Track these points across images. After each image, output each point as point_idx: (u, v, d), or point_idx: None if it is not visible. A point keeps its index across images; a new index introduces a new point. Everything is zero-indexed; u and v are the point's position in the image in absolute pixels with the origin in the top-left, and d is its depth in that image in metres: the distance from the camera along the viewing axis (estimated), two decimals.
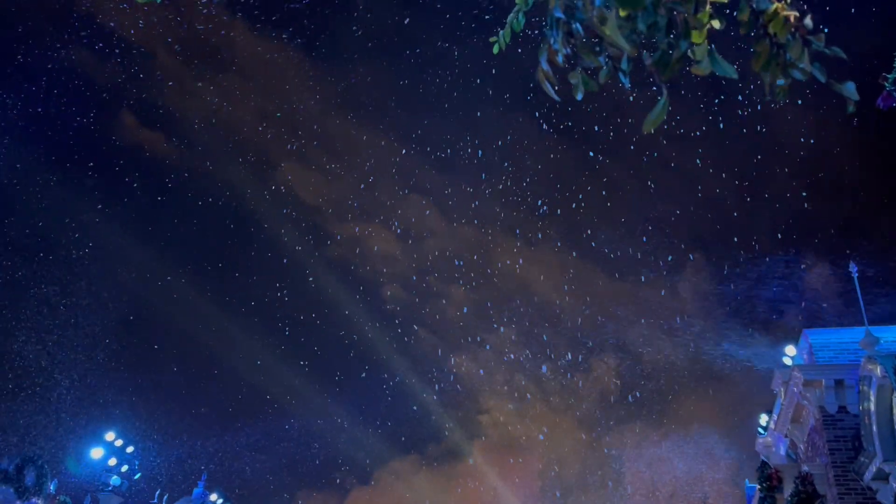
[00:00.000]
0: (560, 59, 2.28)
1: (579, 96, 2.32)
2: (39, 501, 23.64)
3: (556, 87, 2.38)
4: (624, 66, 2.26)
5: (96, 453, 26.48)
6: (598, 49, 2.23)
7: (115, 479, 26.49)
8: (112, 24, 60.09)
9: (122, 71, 61.23)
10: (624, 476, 63.06)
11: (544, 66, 2.30)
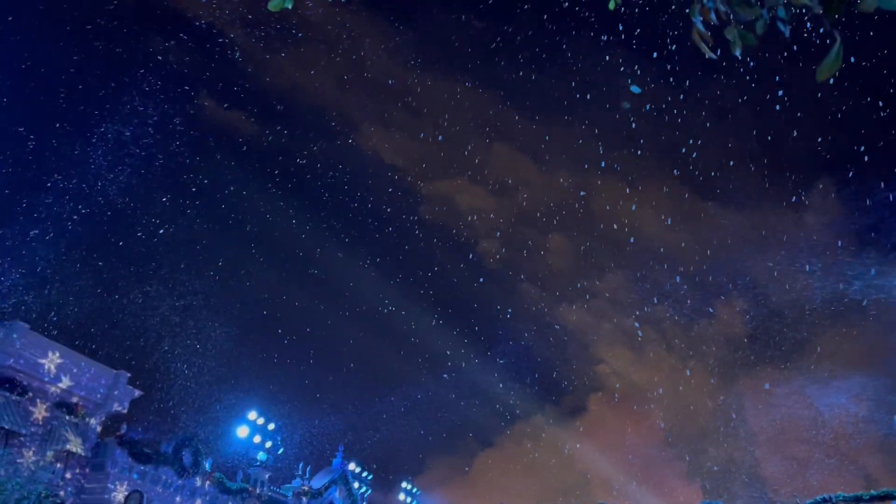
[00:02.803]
0: (713, 16, 2.21)
1: (737, 52, 2.24)
2: (198, 479, 25.60)
3: (711, 45, 2.31)
4: (782, 14, 2.16)
5: (242, 432, 28.31)
6: (754, 1, 2.14)
7: (261, 455, 28.28)
8: (182, 7, 61.78)
9: (199, 54, 62.84)
10: (752, 421, 61.20)
11: (699, 25, 2.23)
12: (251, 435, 28.56)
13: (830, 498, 22.23)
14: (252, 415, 28.75)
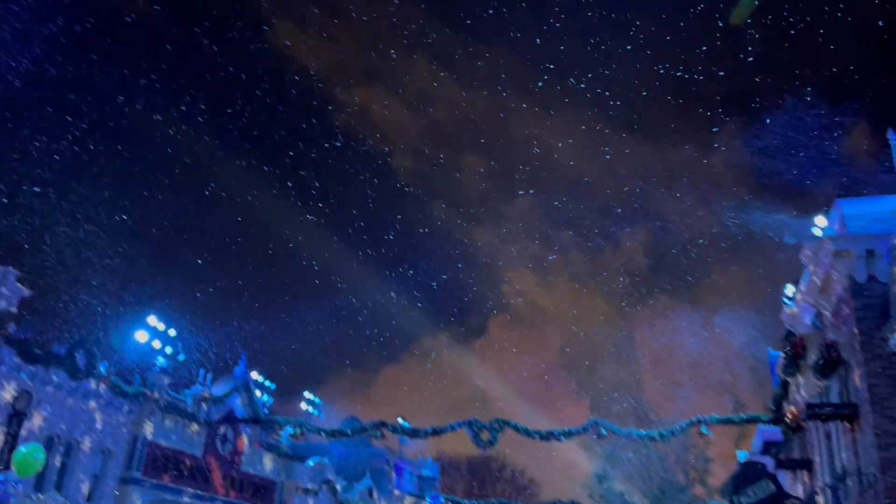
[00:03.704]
0: None
1: None
2: (92, 382, 25.01)
3: None
4: None
5: (141, 336, 27.63)
6: None
7: (160, 361, 27.80)
8: None
9: None
10: (645, 348, 64.72)
11: None
12: (150, 340, 27.95)
13: (703, 419, 24.08)
14: (152, 320, 28.06)
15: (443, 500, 47.01)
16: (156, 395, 27.02)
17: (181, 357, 29.64)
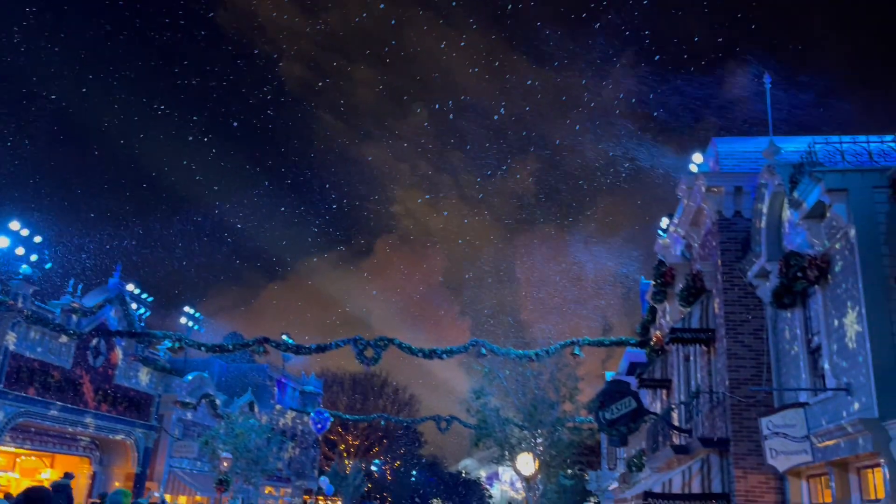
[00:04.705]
0: None
1: None
2: None
3: None
4: None
5: (1, 242, 25.71)
6: None
7: (25, 268, 26.06)
8: None
9: None
10: (526, 272, 67.02)
11: None
12: (13, 246, 26.04)
13: (577, 341, 25.39)
14: (14, 225, 26.08)
15: (327, 414, 47.72)
16: (19, 304, 25.43)
17: (48, 265, 27.88)
